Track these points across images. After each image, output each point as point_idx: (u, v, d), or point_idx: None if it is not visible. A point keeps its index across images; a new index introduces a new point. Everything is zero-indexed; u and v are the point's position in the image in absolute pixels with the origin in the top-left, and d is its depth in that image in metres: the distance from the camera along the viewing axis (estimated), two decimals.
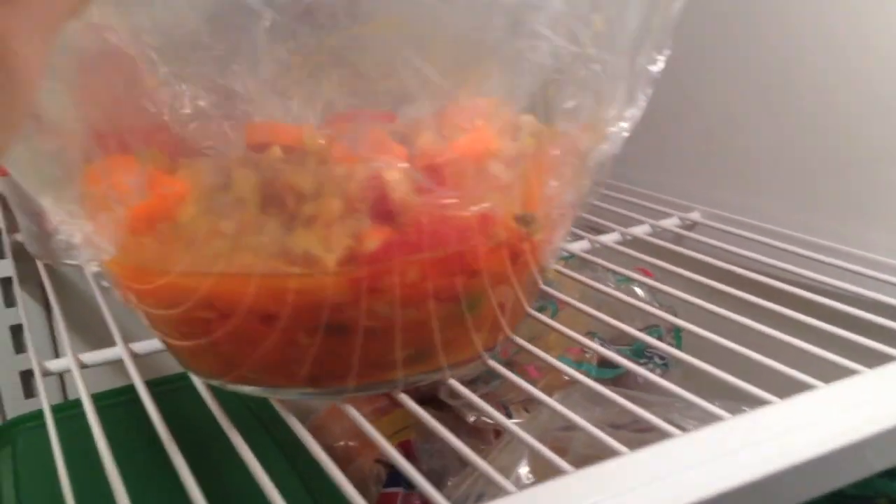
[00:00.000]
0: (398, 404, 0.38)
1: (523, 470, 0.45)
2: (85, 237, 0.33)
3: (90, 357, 0.44)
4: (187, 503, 0.32)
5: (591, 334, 0.61)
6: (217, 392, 0.39)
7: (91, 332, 0.52)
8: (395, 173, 0.32)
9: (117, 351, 0.44)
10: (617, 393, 0.38)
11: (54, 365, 0.44)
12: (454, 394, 0.63)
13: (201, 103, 0.31)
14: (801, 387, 0.35)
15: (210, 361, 0.38)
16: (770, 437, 0.32)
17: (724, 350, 0.40)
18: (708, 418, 0.34)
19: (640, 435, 0.38)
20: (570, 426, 0.51)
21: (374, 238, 0.32)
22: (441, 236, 0.33)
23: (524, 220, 0.34)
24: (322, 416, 0.73)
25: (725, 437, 0.32)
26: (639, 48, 0.32)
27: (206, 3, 0.31)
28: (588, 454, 0.46)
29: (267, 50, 0.30)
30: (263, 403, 0.63)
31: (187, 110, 0.31)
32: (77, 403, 0.53)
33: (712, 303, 0.45)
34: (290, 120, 0.32)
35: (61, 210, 0.34)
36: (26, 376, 0.70)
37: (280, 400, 0.39)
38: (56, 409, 0.64)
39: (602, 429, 0.35)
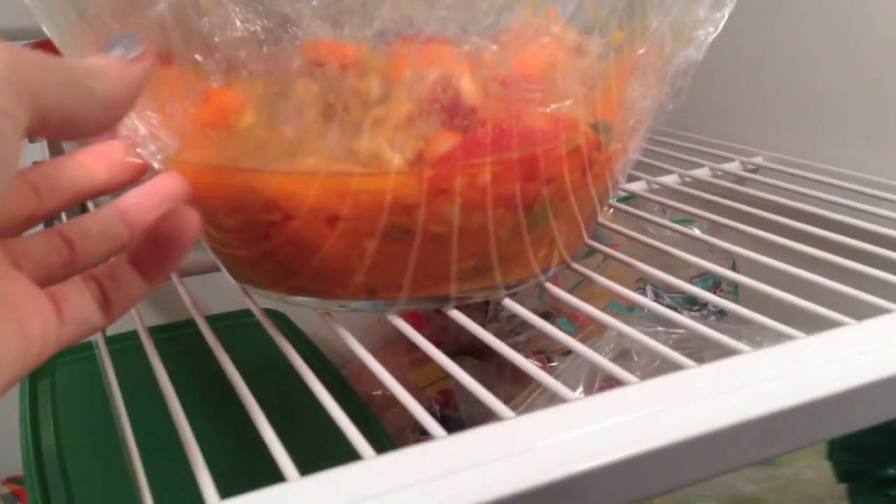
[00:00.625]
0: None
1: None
2: (150, 129, 0.33)
3: None
4: (253, 435, 0.30)
5: (642, 281, 0.59)
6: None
7: None
8: (467, 77, 0.31)
9: None
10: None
11: None
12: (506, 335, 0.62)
13: (251, 27, 0.30)
14: None
15: (268, 269, 0.37)
16: (845, 357, 0.30)
17: (784, 304, 0.38)
18: (779, 339, 0.32)
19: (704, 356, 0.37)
20: (626, 353, 0.50)
21: (446, 140, 0.31)
22: (514, 138, 0.32)
23: (601, 127, 0.33)
24: (358, 366, 0.73)
25: (799, 354, 0.30)
26: None
27: None
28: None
29: None
30: (309, 354, 0.64)
31: (238, 33, 0.30)
32: (120, 338, 0.53)
33: (774, 253, 0.42)
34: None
35: None
36: None
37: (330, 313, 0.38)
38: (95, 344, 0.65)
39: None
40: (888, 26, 0.52)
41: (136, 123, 0.33)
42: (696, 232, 0.54)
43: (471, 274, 0.36)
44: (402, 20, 0.31)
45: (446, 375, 0.73)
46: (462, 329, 0.38)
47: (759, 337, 0.39)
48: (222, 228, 0.36)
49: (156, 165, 0.33)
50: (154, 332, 0.38)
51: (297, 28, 0.31)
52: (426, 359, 0.75)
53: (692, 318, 0.57)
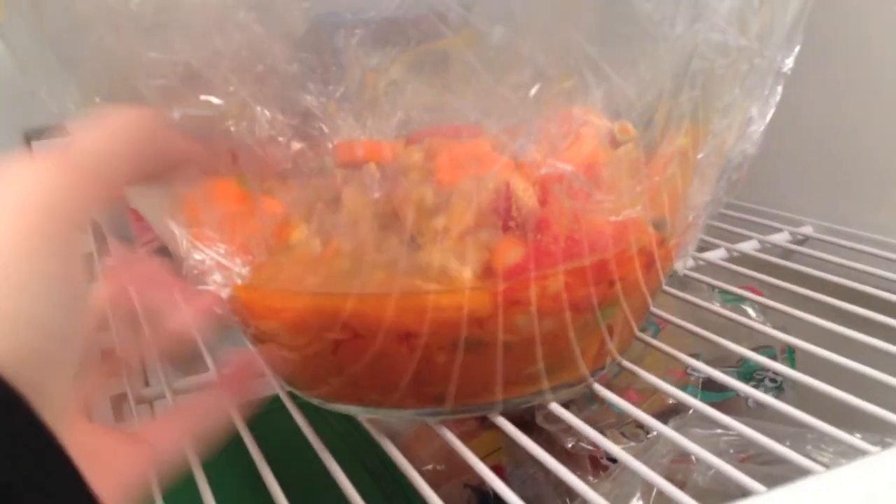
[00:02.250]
0: (488, 426, 0.36)
1: None
2: (217, 261, 0.33)
3: (182, 383, 0.44)
4: None
5: (694, 356, 0.58)
6: (306, 415, 0.39)
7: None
8: (523, 183, 0.31)
9: (210, 375, 0.44)
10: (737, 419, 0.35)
11: (148, 391, 0.43)
12: (551, 418, 0.61)
13: (278, 124, 0.31)
14: None
15: (331, 384, 0.38)
16: None
17: (844, 371, 0.38)
18: (848, 451, 0.31)
19: (768, 468, 0.36)
20: (686, 456, 0.49)
21: (513, 250, 0.32)
22: (583, 244, 0.32)
23: (661, 225, 0.34)
24: (409, 440, 0.72)
25: (875, 474, 0.29)
26: (785, 43, 0.30)
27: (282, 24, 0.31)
28: (709, 489, 0.43)
29: (342, 68, 0.30)
30: (350, 427, 0.63)
31: (265, 133, 0.31)
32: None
33: (830, 338, 0.42)
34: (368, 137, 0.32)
35: (187, 235, 0.35)
36: (117, 401, 0.71)
37: (370, 420, 0.38)
38: None
39: (725, 460, 0.32)
40: None
41: (204, 254, 0.34)
42: (749, 312, 0.53)
43: (524, 380, 0.37)
44: (425, 109, 0.32)
45: (497, 448, 0.72)
46: None
47: (824, 444, 0.38)
48: (285, 347, 0.37)
49: (223, 294, 0.33)
50: None
51: (322, 123, 0.31)
52: (474, 432, 0.74)
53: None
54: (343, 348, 0.34)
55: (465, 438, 0.76)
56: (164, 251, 0.55)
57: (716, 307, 0.49)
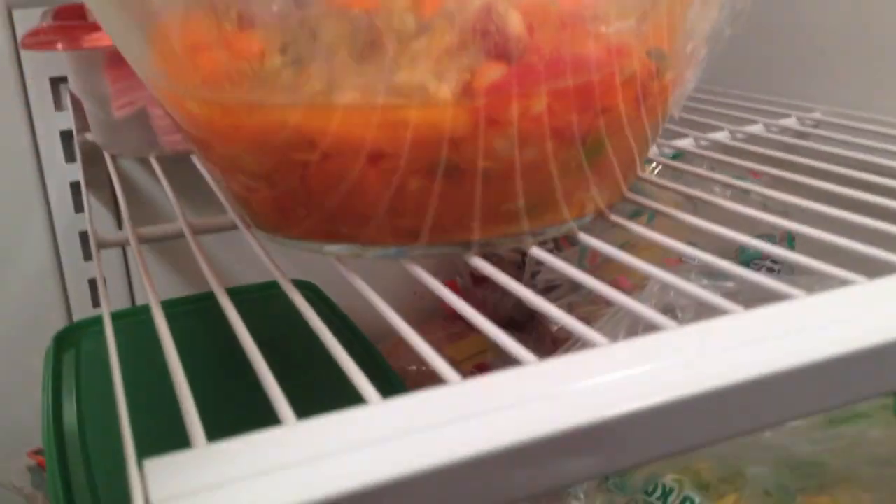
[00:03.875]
0: (474, 329, 0.35)
1: None
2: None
3: (149, 230, 0.42)
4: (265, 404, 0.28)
5: (690, 244, 0.56)
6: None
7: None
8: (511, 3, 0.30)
9: (178, 225, 0.42)
10: None
11: (113, 235, 0.41)
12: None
13: None
14: None
15: (299, 215, 0.36)
16: None
17: (846, 255, 0.35)
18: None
19: None
20: (670, 309, 0.47)
21: (494, 69, 0.30)
22: (567, 65, 0.31)
23: (657, 55, 0.32)
24: (394, 342, 0.71)
25: (863, 298, 0.27)
26: None
27: None
28: None
29: None
30: (340, 326, 0.62)
31: None
32: (144, 309, 0.52)
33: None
34: None
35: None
36: (94, 284, 0.70)
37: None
38: (121, 314, 0.64)
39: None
40: None
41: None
42: (753, 195, 0.51)
43: (503, 217, 0.35)
44: None
45: (483, 350, 0.71)
46: (499, 303, 0.36)
47: (819, 287, 0.36)
48: (250, 173, 0.35)
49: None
50: (175, 304, 0.36)
51: None
52: (462, 333, 0.74)
53: None
54: (312, 172, 0.33)
55: (453, 340, 0.76)
56: (142, 114, 0.54)
57: (713, 197, 0.47)
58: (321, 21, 0.31)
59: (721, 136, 0.53)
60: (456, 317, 0.77)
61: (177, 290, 0.69)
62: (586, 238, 0.38)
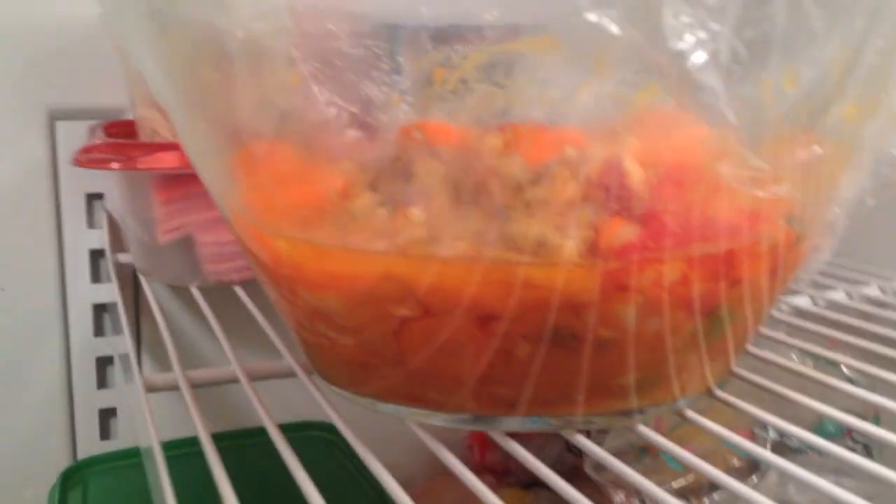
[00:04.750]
0: (507, 484, 0.31)
1: None
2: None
3: (201, 375, 0.38)
4: None
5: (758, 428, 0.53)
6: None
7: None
8: (636, 163, 0.28)
9: (230, 370, 0.38)
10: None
11: (161, 379, 0.37)
12: (599, 467, 0.55)
13: (333, 109, 0.29)
14: None
15: (381, 375, 0.33)
16: None
17: None
18: None
19: None
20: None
21: (625, 229, 0.28)
22: (705, 230, 0.28)
23: (798, 222, 0.30)
24: (423, 489, 0.66)
25: None
26: None
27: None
28: None
29: (409, 59, 0.29)
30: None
31: (319, 113, 0.29)
32: (174, 444, 0.47)
33: None
34: None
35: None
36: (105, 415, 0.65)
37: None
38: (134, 453, 0.59)
39: None
40: None
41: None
42: (844, 369, 0.48)
43: (610, 392, 0.32)
44: (498, 111, 0.29)
45: None
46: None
47: None
48: (336, 324, 0.32)
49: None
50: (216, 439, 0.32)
51: (383, 114, 0.29)
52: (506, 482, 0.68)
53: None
54: (409, 330, 0.30)
55: (494, 488, 0.71)
56: (188, 240, 0.51)
57: (804, 368, 0.44)
58: (417, 157, 0.29)
59: (802, 301, 0.50)
60: (482, 469, 0.72)
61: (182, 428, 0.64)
62: (694, 417, 0.34)
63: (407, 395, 0.32)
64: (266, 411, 0.34)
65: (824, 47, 0.24)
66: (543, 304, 0.28)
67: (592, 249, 0.28)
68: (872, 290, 0.52)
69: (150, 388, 0.37)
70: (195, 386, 0.37)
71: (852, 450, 0.52)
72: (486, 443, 0.73)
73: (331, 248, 0.30)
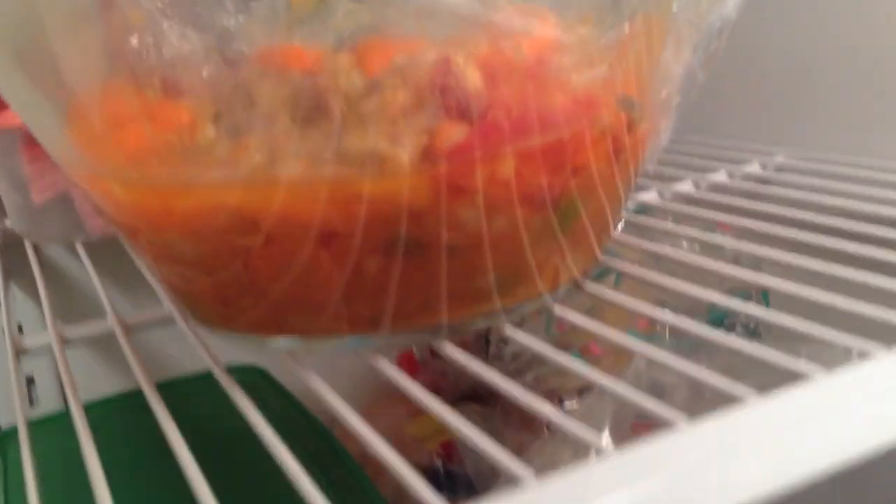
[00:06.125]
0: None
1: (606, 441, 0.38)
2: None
3: (76, 331, 0.37)
4: None
5: (660, 303, 0.53)
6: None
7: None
8: (470, 57, 0.27)
9: (107, 324, 0.37)
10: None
11: (31, 340, 0.37)
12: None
13: (189, 44, 0.27)
14: None
15: (243, 307, 0.32)
16: None
17: (823, 309, 0.33)
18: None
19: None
20: (658, 389, 0.44)
21: (456, 130, 0.27)
22: (534, 120, 0.28)
23: (629, 105, 0.30)
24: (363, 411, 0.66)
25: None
26: None
27: None
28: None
29: None
30: (288, 405, 0.58)
31: (174, 50, 0.27)
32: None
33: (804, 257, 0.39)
34: None
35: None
36: (30, 382, 0.64)
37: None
38: (53, 418, 0.58)
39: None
40: None
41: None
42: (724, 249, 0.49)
43: (472, 296, 0.32)
44: (362, 28, 0.28)
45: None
46: (460, 374, 0.32)
47: (827, 355, 0.33)
48: (186, 262, 0.31)
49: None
50: (109, 403, 0.33)
51: (242, 44, 0.27)
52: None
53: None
54: (256, 257, 0.29)
55: (415, 415, 0.71)
56: (66, 197, 0.50)
57: (680, 253, 0.45)
58: (257, 84, 0.28)
59: (685, 186, 0.50)
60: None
61: (121, 383, 0.64)
62: (562, 311, 0.34)
63: (271, 326, 0.32)
64: (142, 367, 0.33)
65: None
66: (385, 216, 0.28)
67: (426, 155, 0.27)
68: (754, 168, 0.52)
69: (21, 351, 0.36)
70: (71, 344, 0.36)
71: (742, 332, 0.53)
72: (413, 364, 0.74)
73: (167, 184, 0.29)
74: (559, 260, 0.33)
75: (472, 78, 0.27)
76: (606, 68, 0.27)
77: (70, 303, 0.58)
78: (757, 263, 0.51)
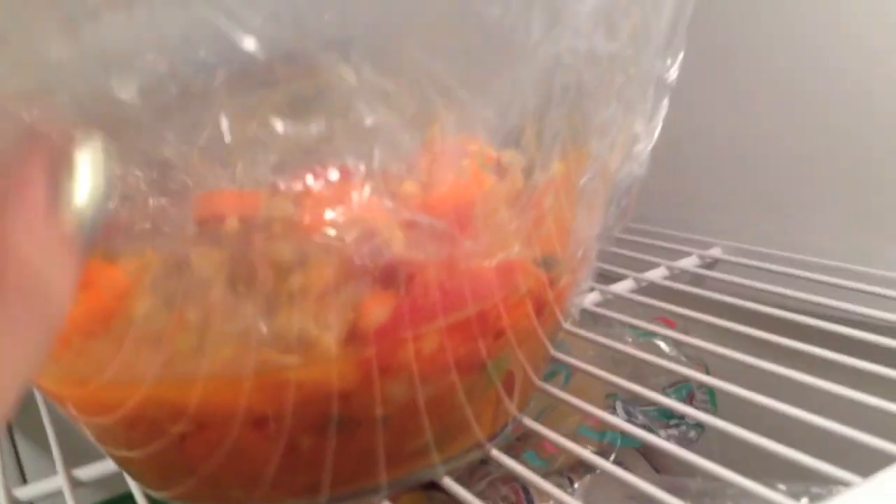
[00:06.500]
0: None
1: None
2: None
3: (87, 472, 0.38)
4: None
5: (611, 397, 0.54)
6: None
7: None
8: (396, 229, 0.27)
9: (56, 482, 0.37)
10: (650, 479, 0.31)
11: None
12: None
13: (132, 180, 0.27)
14: (870, 452, 0.30)
15: (184, 482, 0.32)
16: None
17: (766, 408, 0.35)
18: None
19: None
20: None
21: (381, 306, 0.27)
22: (459, 295, 0.28)
23: (548, 263, 0.30)
24: None
25: None
26: (664, 50, 0.27)
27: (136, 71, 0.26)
28: None
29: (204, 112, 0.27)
30: None
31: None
32: None
33: (743, 349, 0.40)
34: (237, 187, 0.28)
35: None
36: None
37: None
38: None
39: None
40: (848, 106, 0.49)
41: None
42: (662, 346, 0.50)
43: (410, 456, 0.32)
44: (300, 152, 0.27)
45: None
46: None
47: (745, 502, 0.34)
48: (118, 440, 0.31)
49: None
50: None
51: (185, 174, 0.27)
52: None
53: (670, 435, 0.52)
54: (190, 442, 0.29)
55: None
56: None
57: (626, 347, 0.45)
58: (192, 246, 0.27)
59: (624, 286, 0.51)
60: None
61: None
62: (500, 457, 0.35)
63: (212, 497, 0.32)
64: None
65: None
66: (315, 399, 0.28)
67: (353, 334, 0.27)
68: (692, 261, 0.54)
69: None
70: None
71: (692, 424, 0.54)
72: None
73: (92, 384, 0.29)
74: (493, 409, 0.34)
75: (397, 248, 0.28)
76: (519, 247, 0.28)
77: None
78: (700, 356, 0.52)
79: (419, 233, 0.28)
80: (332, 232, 0.28)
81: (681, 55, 0.30)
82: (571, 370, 0.54)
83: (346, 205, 0.28)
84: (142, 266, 0.28)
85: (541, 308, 0.31)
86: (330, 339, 0.27)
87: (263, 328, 0.27)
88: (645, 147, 0.30)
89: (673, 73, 0.30)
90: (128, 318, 0.28)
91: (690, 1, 0.29)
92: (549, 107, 0.24)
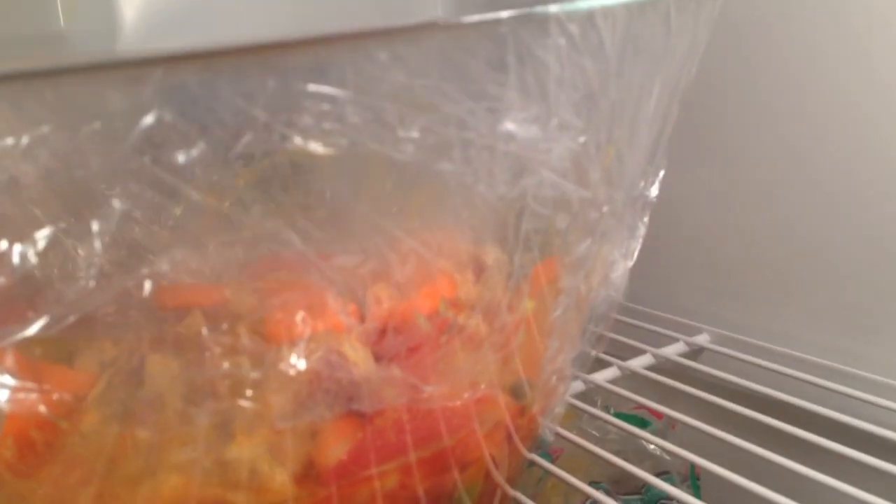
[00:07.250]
0: None
1: None
2: None
3: None
4: None
5: (593, 484, 0.53)
6: None
7: None
8: (359, 351, 0.26)
9: None
10: None
11: None
12: None
13: (97, 261, 0.24)
14: None
15: None
16: None
17: (750, 494, 0.35)
18: None
19: None
20: None
21: (340, 442, 0.26)
22: (426, 431, 0.26)
23: (520, 393, 0.29)
24: None
25: None
26: (643, 176, 0.26)
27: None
28: None
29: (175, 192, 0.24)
30: None
31: (82, 273, 0.25)
32: None
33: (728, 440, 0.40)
34: (206, 272, 0.26)
35: None
36: None
37: None
38: None
39: None
40: (833, 200, 0.47)
41: None
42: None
43: None
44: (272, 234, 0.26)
45: None
46: None
47: None
48: None
49: None
50: None
51: (153, 256, 0.25)
52: None
53: None
54: None
55: None
56: None
57: (608, 454, 0.44)
58: (148, 353, 0.26)
59: (607, 374, 0.49)
60: None
61: None
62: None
63: None
64: None
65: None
66: None
67: (308, 471, 0.26)
68: (679, 348, 0.52)
69: None
70: None
71: None
72: None
73: None
74: None
75: (364, 364, 0.26)
76: (484, 387, 0.27)
77: None
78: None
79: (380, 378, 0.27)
80: (287, 352, 0.26)
81: (662, 172, 0.29)
82: (553, 456, 0.53)
83: (312, 314, 0.27)
84: (100, 366, 0.27)
85: (510, 437, 0.30)
86: (282, 476, 0.26)
87: (216, 457, 0.26)
88: (623, 270, 0.29)
89: (653, 192, 0.29)
90: (77, 432, 0.27)
91: (671, 120, 0.28)
92: (514, 254, 0.23)
